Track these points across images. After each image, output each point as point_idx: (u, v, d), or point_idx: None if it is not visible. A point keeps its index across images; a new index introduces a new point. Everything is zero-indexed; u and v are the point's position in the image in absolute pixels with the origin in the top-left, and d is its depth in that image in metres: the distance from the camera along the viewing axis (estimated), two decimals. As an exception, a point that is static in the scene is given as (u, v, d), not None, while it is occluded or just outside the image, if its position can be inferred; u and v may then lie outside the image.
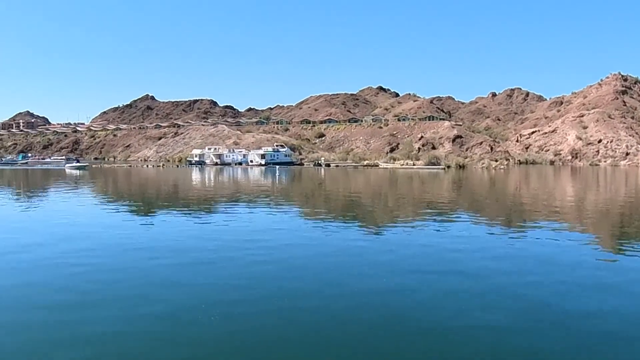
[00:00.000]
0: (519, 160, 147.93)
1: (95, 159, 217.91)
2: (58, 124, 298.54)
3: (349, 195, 52.35)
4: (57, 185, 63.13)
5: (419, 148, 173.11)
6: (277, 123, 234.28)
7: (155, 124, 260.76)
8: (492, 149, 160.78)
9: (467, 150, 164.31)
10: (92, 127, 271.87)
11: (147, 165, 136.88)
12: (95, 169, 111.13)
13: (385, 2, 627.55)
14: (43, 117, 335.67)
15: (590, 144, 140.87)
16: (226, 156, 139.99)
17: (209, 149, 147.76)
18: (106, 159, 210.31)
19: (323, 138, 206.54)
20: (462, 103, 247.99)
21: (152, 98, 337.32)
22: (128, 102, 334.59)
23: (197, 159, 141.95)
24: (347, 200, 47.28)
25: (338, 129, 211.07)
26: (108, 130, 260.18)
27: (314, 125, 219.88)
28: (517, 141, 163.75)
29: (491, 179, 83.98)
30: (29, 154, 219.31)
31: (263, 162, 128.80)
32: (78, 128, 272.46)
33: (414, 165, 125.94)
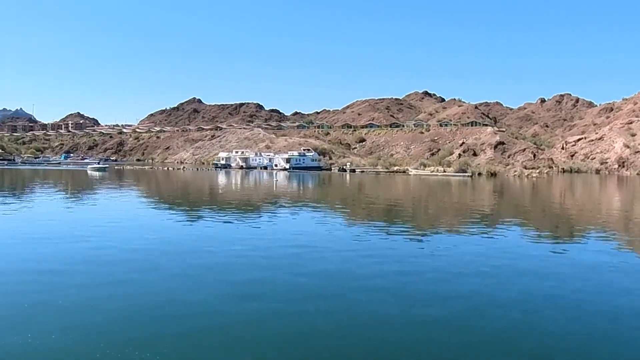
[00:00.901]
0: (563, 169, 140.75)
1: (138, 160, 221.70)
2: (106, 125, 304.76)
3: (361, 203, 50.05)
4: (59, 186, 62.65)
5: (460, 154, 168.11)
6: (319, 127, 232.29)
7: (197, 126, 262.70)
8: (534, 156, 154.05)
9: (509, 157, 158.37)
10: (136, 129, 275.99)
11: (182, 168, 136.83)
12: (116, 171, 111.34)
13: (436, 8, 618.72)
14: (93, 119, 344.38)
15: (638, 152, 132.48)
16: (252, 160, 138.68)
17: (236, 152, 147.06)
18: (146, 161, 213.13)
19: (363, 143, 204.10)
20: (510, 109, 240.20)
21: (199, 101, 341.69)
22: (175, 105, 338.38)
23: (223, 162, 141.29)
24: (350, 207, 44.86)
25: (379, 133, 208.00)
26: (152, 132, 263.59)
27: (355, 130, 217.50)
28: (563, 148, 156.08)
29: (521, 187, 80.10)
30: (71, 154, 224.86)
31: (287, 166, 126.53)
32: (124, 130, 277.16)
33: (444, 172, 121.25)
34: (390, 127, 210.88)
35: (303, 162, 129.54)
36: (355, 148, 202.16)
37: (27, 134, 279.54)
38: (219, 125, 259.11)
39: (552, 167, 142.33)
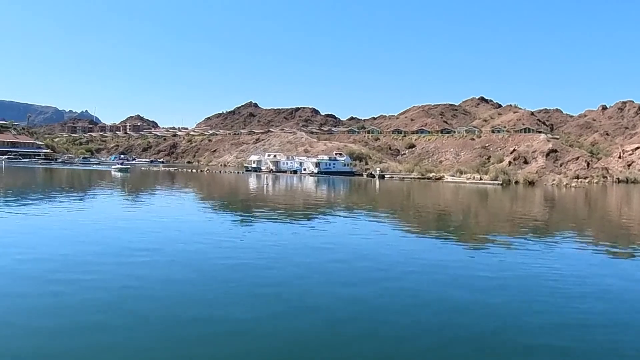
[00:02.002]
0: (618, 179, 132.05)
1: (188, 162, 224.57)
2: (163, 128, 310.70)
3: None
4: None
5: (510, 162, 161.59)
6: (369, 132, 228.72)
7: (249, 130, 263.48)
8: (588, 165, 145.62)
9: (561, 165, 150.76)
10: (190, 132, 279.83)
11: (215, 170, 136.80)
12: (139, 172, 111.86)
13: (498, 12, 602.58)
14: (152, 121, 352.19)
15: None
16: (283, 163, 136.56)
17: (269, 155, 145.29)
18: (193, 163, 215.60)
19: (413, 149, 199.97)
20: (571, 116, 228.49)
21: (255, 105, 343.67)
22: (232, 109, 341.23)
23: (254, 165, 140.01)
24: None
25: (429, 139, 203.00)
26: (204, 135, 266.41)
27: (405, 136, 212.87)
28: (620, 157, 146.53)
29: (553, 198, 75.22)
30: (121, 156, 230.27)
31: (316, 170, 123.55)
32: (178, 132, 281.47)
33: (480, 179, 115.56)
34: (441, 133, 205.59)
35: (333, 167, 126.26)
36: (404, 154, 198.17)
37: (85, 135, 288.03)
38: (271, 129, 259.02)
39: (606, 177, 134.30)
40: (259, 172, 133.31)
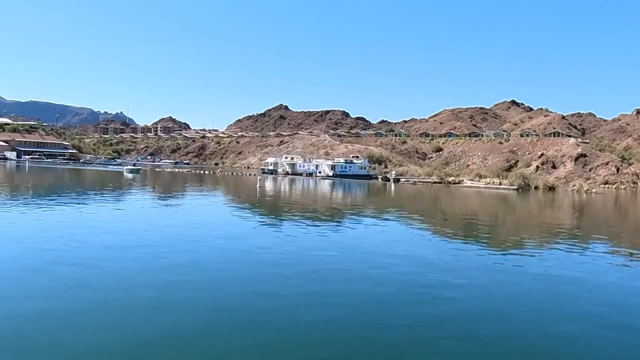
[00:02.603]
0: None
1: (215, 164, 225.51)
2: (193, 130, 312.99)
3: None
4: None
5: (537, 167, 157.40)
6: (397, 135, 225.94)
7: (276, 133, 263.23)
8: (618, 170, 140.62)
9: (590, 170, 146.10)
10: (218, 134, 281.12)
11: (233, 172, 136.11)
12: (149, 173, 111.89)
13: (532, 17, 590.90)
14: (184, 123, 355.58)
15: None
16: (299, 166, 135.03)
17: (286, 157, 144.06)
18: (219, 164, 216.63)
19: (440, 152, 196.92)
20: (604, 120, 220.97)
21: (286, 108, 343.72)
22: (262, 111, 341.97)
23: (271, 167, 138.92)
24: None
25: (457, 143, 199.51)
26: (233, 137, 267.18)
27: (433, 139, 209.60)
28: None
29: (572, 204, 72.66)
30: (148, 157, 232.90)
31: (331, 173, 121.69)
32: (207, 134, 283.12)
33: (500, 184, 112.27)
34: (469, 136, 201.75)
35: (349, 170, 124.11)
36: (431, 157, 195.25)
37: (116, 136, 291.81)
38: (299, 132, 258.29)
39: (637, 183, 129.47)
40: (275, 174, 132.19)
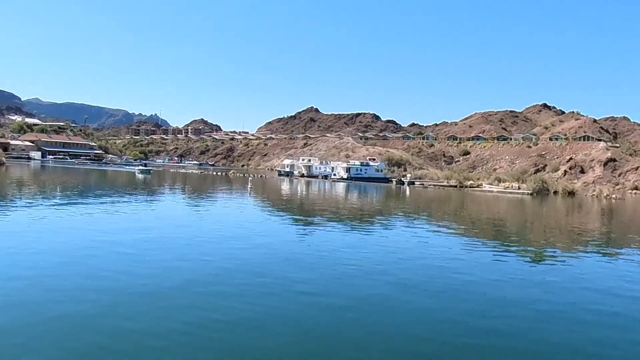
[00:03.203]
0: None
1: (242, 166, 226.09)
2: (222, 132, 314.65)
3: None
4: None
5: (565, 171, 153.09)
6: (424, 139, 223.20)
7: (304, 135, 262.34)
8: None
9: (619, 175, 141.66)
10: (247, 136, 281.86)
11: (248, 174, 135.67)
12: (160, 174, 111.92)
13: (564, 20, 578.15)
14: (216, 125, 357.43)
15: None
16: (315, 168, 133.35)
17: (303, 159, 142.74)
18: (244, 166, 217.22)
19: (467, 156, 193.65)
20: (638, 124, 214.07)
21: (316, 110, 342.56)
22: (293, 114, 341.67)
23: (287, 169, 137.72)
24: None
25: (484, 146, 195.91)
26: (261, 139, 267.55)
27: (460, 142, 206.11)
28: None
29: (587, 209, 70.59)
30: (175, 158, 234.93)
31: (345, 175, 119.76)
32: (236, 136, 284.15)
33: (518, 188, 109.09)
34: (497, 140, 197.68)
35: (365, 172, 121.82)
36: (458, 161, 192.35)
37: (147, 137, 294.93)
38: (325, 134, 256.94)
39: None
40: (291, 176, 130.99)
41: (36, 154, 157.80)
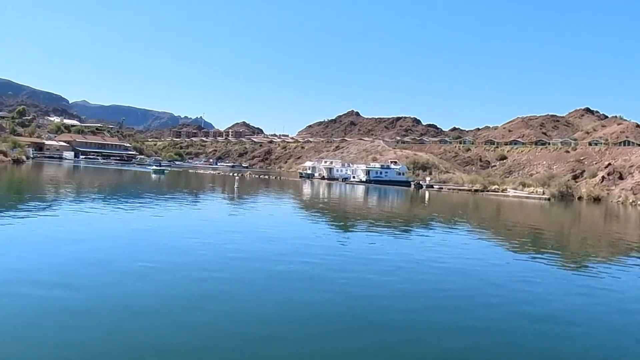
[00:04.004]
0: None
1: (279, 168, 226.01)
2: (262, 135, 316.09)
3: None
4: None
5: (603, 177, 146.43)
6: (460, 143, 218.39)
7: (341, 138, 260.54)
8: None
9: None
10: (285, 139, 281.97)
11: (268, 176, 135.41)
12: (175, 174, 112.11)
13: (609, 23, 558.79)
14: (258, 128, 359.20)
15: None
16: (336, 171, 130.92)
17: (325, 162, 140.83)
18: (280, 168, 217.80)
19: (504, 161, 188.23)
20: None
21: (357, 114, 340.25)
22: (333, 117, 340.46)
23: (309, 171, 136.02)
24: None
25: (522, 151, 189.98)
26: (298, 142, 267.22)
27: (497, 147, 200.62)
28: None
29: (603, 215, 66.59)
30: (210, 159, 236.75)
31: (364, 178, 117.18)
32: (274, 139, 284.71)
33: (543, 193, 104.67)
34: (535, 144, 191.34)
35: (385, 175, 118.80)
36: (495, 166, 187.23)
37: (187, 139, 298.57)
38: (362, 138, 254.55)
39: None
40: (312, 178, 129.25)
41: (69, 154, 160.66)
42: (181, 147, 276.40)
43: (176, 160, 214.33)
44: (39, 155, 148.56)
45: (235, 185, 70.50)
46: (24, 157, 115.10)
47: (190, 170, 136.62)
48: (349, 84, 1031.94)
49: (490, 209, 65.43)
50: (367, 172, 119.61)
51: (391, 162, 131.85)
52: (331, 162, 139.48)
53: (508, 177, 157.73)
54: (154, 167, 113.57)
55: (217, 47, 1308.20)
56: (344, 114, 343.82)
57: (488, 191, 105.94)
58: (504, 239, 35.99)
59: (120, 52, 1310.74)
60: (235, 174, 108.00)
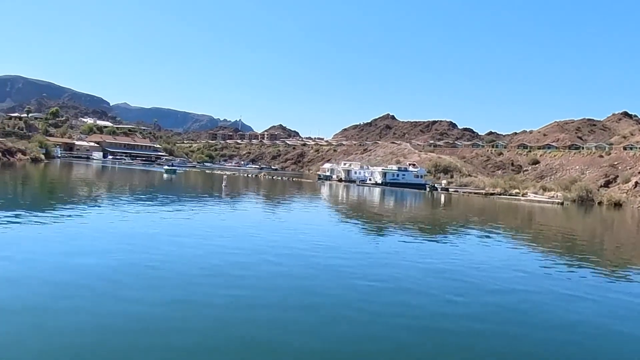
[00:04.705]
0: None
1: (309, 170, 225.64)
2: (295, 138, 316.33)
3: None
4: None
5: (636, 183, 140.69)
6: (493, 147, 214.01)
7: (373, 141, 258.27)
8: None
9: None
10: (318, 142, 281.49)
11: (288, 177, 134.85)
12: (188, 174, 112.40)
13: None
14: (294, 131, 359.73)
15: None
16: (354, 173, 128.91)
17: (345, 164, 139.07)
18: (307, 171, 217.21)
19: (536, 165, 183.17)
20: None
21: (392, 117, 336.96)
22: (369, 121, 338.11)
23: (327, 173, 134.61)
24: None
25: (555, 155, 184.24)
26: (332, 145, 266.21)
27: (530, 151, 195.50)
28: None
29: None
30: (241, 162, 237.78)
31: (380, 181, 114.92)
32: (307, 142, 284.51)
33: (562, 197, 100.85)
34: (569, 149, 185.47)
35: (403, 178, 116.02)
36: (527, 170, 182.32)
37: (222, 142, 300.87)
38: (393, 141, 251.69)
39: None
40: (329, 180, 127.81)
41: (97, 154, 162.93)
42: (215, 149, 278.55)
43: (205, 162, 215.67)
44: (66, 155, 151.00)
45: (223, 184, 69.44)
46: (41, 156, 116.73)
47: (207, 171, 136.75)
48: (386, 87, 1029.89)
49: (489, 212, 62.61)
50: (384, 175, 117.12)
51: (410, 164, 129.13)
52: (350, 164, 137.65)
53: (540, 181, 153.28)
54: (166, 167, 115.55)
55: (258, 50, 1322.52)
56: (379, 118, 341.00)
57: (500, 195, 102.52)
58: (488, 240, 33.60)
59: (160, 55, 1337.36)
60: (224, 173, 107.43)
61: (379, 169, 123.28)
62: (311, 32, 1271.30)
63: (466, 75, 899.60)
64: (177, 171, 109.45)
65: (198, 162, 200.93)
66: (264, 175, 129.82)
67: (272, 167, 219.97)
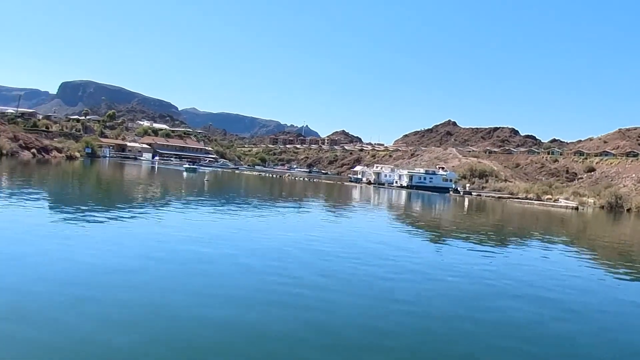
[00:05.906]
0: None
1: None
2: (356, 143, 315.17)
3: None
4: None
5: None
6: (549, 154, 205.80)
7: (428, 148, 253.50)
8: None
9: None
10: (375, 147, 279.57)
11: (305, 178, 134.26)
12: (218, 174, 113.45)
13: None
14: (357, 137, 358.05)
15: None
16: (384, 176, 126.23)
17: (377, 167, 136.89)
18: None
19: (592, 173, 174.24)
20: None
21: (454, 124, 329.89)
22: (430, 127, 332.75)
23: (358, 176, 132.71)
24: None
25: (611, 163, 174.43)
26: (388, 151, 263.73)
27: (586, 158, 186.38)
28: None
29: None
30: (294, 166, 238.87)
31: (406, 184, 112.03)
32: (364, 147, 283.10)
33: (594, 203, 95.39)
34: (627, 156, 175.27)
35: (430, 181, 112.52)
36: (582, 178, 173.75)
37: (281, 147, 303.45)
38: (459, 147, 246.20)
39: None
40: (359, 183, 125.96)
41: (146, 155, 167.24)
42: (274, 154, 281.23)
43: (257, 165, 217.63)
44: (115, 155, 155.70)
45: (205, 179, 69.50)
46: (77, 154, 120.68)
47: (236, 172, 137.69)
48: (448, 93, 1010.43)
49: (493, 216, 59.37)
50: (410, 178, 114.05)
51: (439, 167, 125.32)
52: (381, 167, 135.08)
53: (547, 184, 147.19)
54: (186, 166, 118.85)
55: (323, 57, 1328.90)
56: (441, 124, 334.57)
57: (527, 199, 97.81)
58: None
59: (228, 61, 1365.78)
60: (206, 172, 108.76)
61: (406, 171, 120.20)
62: (375, 38, 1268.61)
63: (529, 80, 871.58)
64: (198, 170, 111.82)
65: (249, 165, 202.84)
66: (288, 176, 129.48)
67: (322, 172, 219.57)
